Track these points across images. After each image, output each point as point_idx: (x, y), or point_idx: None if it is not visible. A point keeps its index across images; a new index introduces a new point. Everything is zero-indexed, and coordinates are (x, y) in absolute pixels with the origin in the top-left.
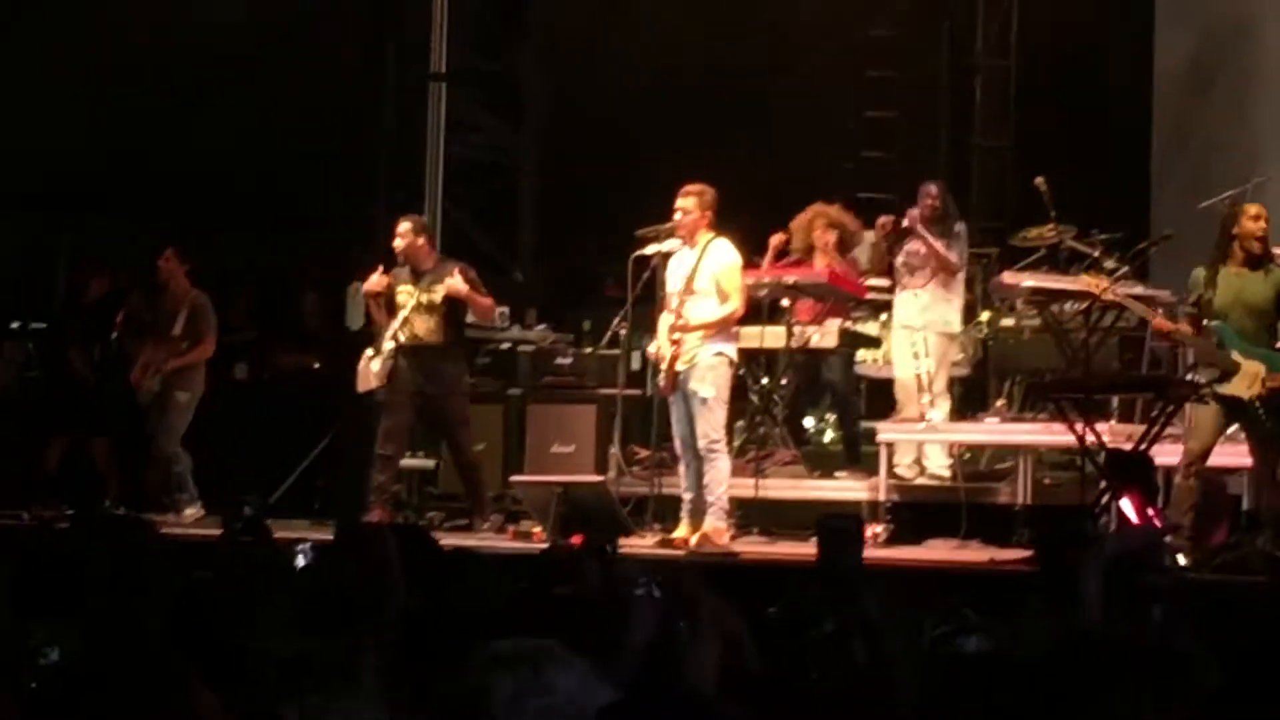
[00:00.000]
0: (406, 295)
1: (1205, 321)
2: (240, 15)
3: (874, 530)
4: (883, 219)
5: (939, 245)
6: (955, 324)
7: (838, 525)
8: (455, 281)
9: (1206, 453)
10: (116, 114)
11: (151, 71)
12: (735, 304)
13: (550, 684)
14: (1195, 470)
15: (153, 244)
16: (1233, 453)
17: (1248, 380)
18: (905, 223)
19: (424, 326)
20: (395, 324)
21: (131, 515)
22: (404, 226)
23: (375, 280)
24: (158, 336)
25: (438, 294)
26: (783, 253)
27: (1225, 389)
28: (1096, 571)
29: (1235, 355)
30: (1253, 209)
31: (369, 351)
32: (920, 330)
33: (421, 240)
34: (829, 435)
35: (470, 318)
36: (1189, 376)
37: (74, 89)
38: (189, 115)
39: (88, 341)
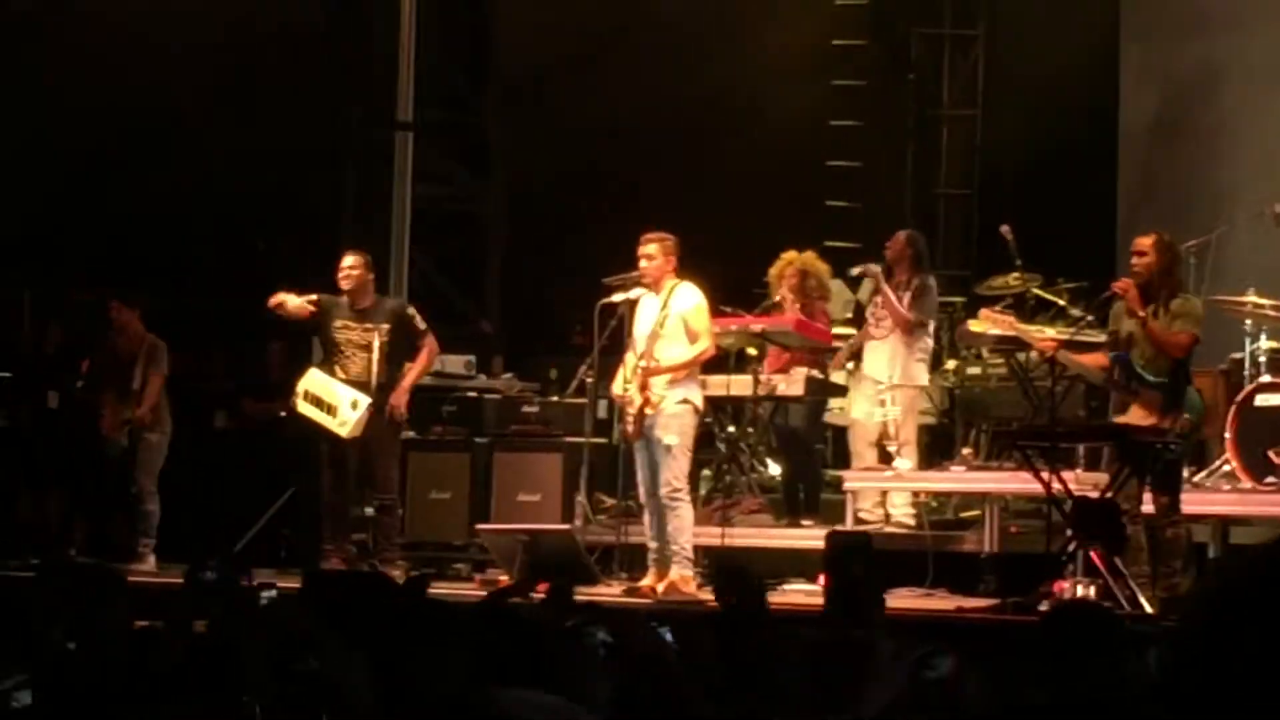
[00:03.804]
0: (356, 332)
1: (1113, 355)
2: (206, 66)
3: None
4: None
5: (893, 296)
6: (920, 377)
7: (848, 540)
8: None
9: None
10: (80, 169)
11: (115, 128)
12: (705, 343)
13: None
14: (1136, 514)
15: (113, 297)
16: (1196, 500)
17: (1143, 410)
18: (858, 271)
19: (365, 366)
20: (374, 370)
21: (96, 564)
22: (356, 259)
23: (299, 303)
24: (119, 388)
25: (384, 333)
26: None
27: (1124, 419)
28: None
29: (1133, 384)
30: (1140, 242)
31: (356, 397)
32: (885, 382)
33: (370, 276)
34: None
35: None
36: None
37: (36, 144)
38: (152, 170)
39: (43, 392)
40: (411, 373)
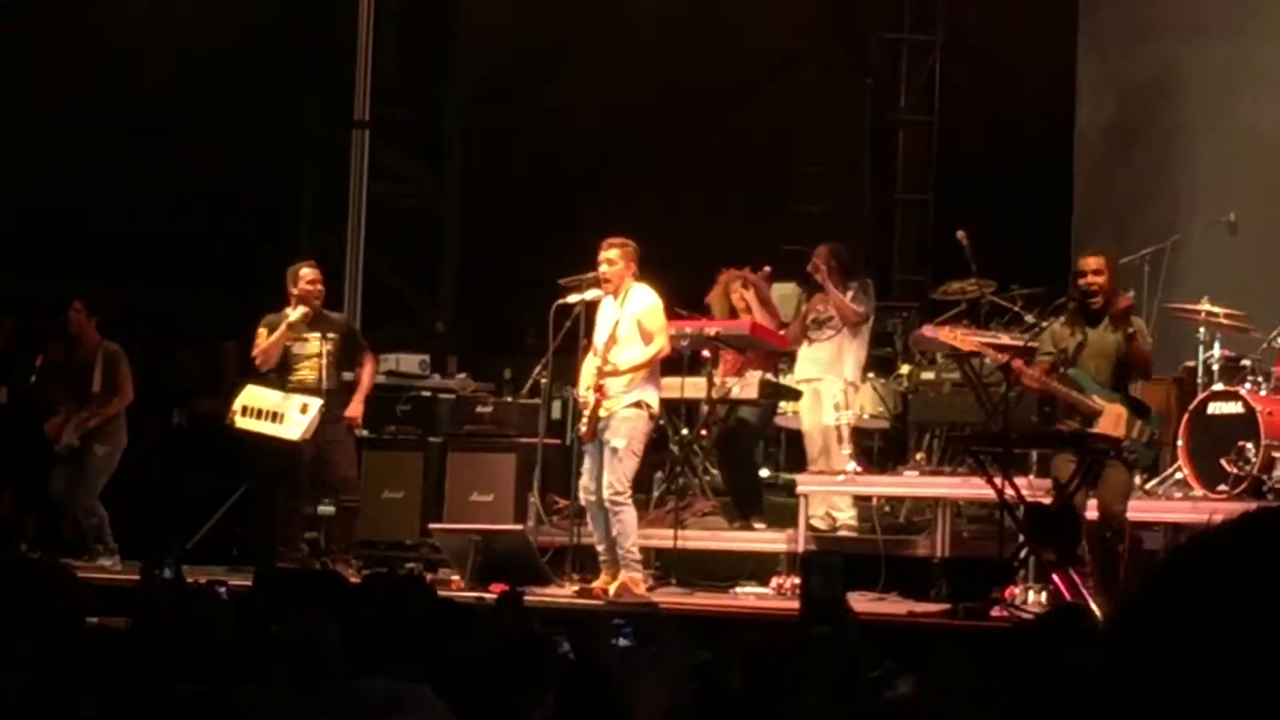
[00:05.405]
0: (308, 342)
1: (1062, 370)
2: (165, 64)
3: (792, 581)
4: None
5: (838, 295)
6: (852, 375)
7: (822, 560)
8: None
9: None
10: (37, 171)
11: (73, 131)
12: (660, 343)
13: None
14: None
15: (70, 297)
16: (1148, 508)
17: (1112, 420)
18: (809, 270)
19: (315, 372)
20: (324, 375)
21: (46, 558)
22: (318, 272)
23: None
24: (76, 391)
25: (333, 341)
26: None
27: (1093, 430)
28: None
29: (1097, 398)
30: (1090, 262)
31: (306, 400)
32: (826, 382)
33: (323, 287)
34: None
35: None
36: (1062, 426)
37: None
38: (111, 171)
39: None
40: (363, 386)
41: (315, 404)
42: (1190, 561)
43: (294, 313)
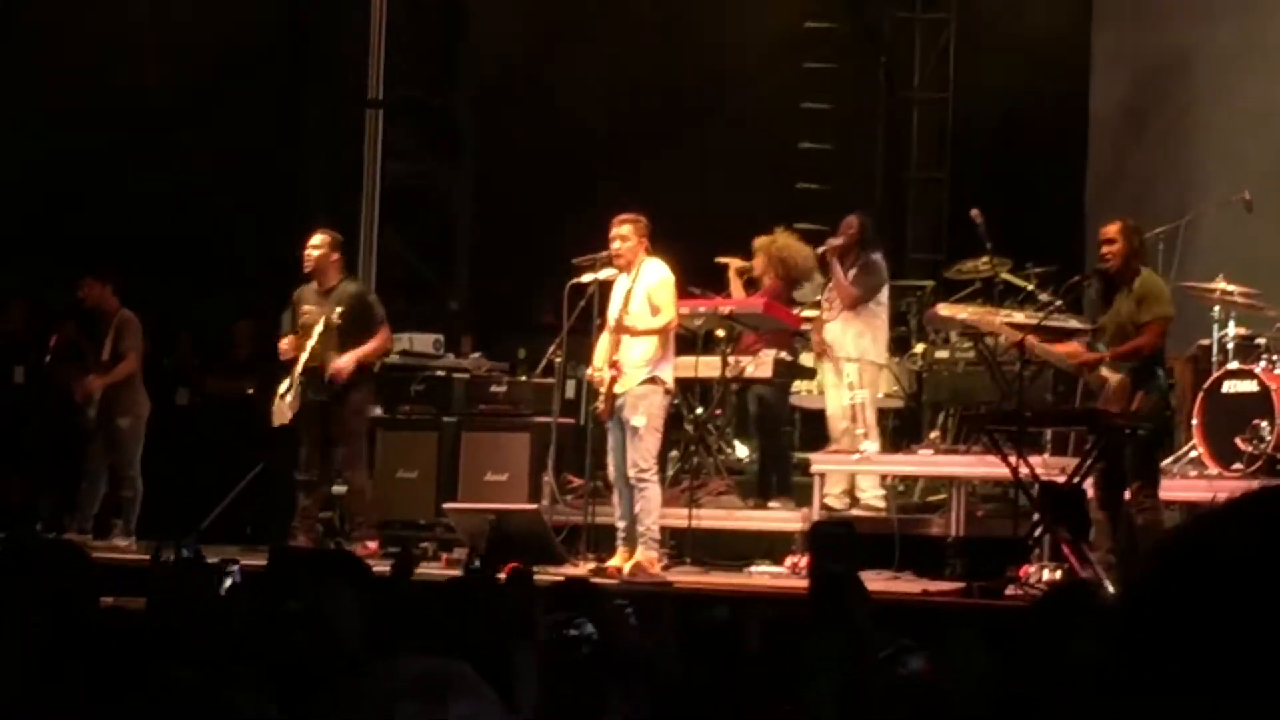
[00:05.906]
0: (313, 317)
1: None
2: (180, 43)
3: (807, 560)
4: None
5: (840, 273)
6: (870, 353)
7: (831, 531)
8: (343, 363)
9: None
10: (52, 156)
11: (88, 113)
12: (668, 315)
13: (462, 714)
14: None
15: (84, 274)
16: (1163, 486)
17: (1116, 393)
18: (821, 249)
19: (322, 345)
20: (304, 354)
21: (62, 540)
22: (321, 239)
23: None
24: (88, 362)
25: (337, 314)
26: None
27: (1097, 404)
28: None
29: (1104, 371)
30: (1106, 230)
31: (283, 386)
32: (847, 360)
33: (335, 256)
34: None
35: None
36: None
37: (6, 134)
38: (111, 170)
39: (9, 369)
40: (361, 349)
41: (291, 393)
42: (1198, 539)
43: (315, 331)
